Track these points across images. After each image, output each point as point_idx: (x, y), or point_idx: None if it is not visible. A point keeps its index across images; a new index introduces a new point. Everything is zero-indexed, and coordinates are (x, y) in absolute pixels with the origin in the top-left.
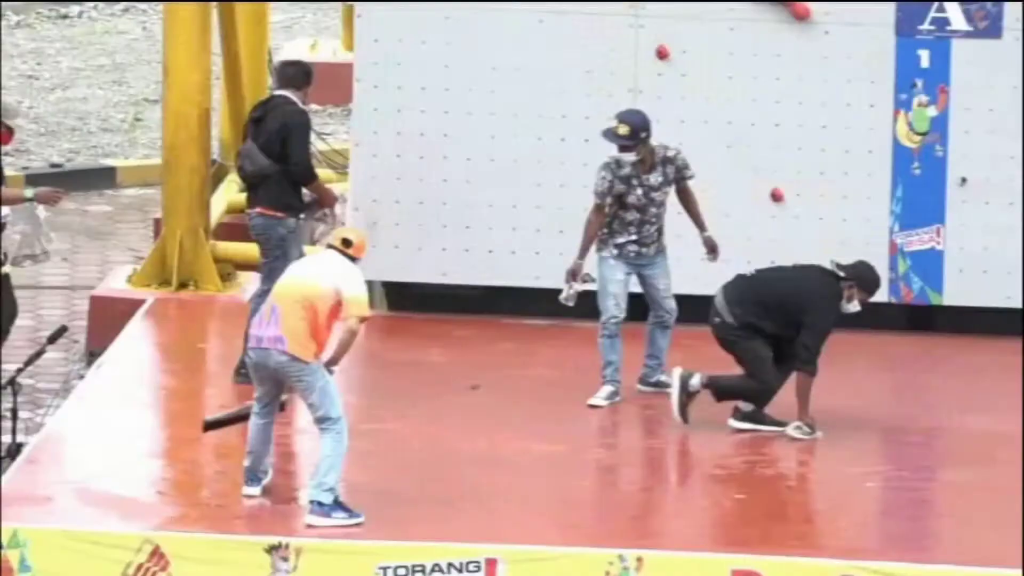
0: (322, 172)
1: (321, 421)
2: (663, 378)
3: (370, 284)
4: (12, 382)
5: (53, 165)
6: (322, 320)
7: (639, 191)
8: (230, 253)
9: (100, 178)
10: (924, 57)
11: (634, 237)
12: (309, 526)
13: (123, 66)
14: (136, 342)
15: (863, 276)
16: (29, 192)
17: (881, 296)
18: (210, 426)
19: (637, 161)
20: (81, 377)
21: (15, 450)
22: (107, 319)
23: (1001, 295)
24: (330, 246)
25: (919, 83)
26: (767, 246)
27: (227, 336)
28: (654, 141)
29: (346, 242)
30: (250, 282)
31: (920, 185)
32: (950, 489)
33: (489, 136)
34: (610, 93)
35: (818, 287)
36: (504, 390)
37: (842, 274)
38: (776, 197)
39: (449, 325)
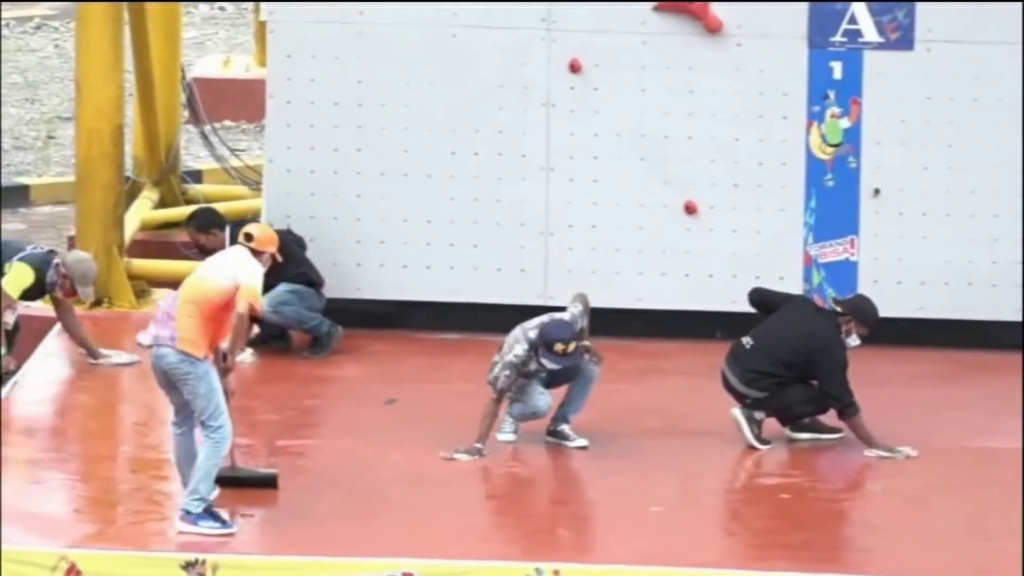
0: (236, 189)
1: (203, 427)
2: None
3: None
4: None
5: None
6: (213, 314)
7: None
8: (145, 270)
9: (13, 196)
10: (837, 69)
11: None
12: (180, 532)
13: (36, 84)
14: (51, 360)
15: (860, 309)
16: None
17: None
18: (225, 480)
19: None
20: None
21: None
22: (23, 336)
23: (914, 305)
24: (236, 242)
25: (832, 95)
26: (681, 258)
27: (141, 352)
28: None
29: (248, 236)
30: (164, 299)
31: (834, 196)
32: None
33: (403, 150)
34: (524, 107)
35: (819, 331)
36: (419, 405)
37: (839, 309)
38: (690, 210)
39: (363, 340)
